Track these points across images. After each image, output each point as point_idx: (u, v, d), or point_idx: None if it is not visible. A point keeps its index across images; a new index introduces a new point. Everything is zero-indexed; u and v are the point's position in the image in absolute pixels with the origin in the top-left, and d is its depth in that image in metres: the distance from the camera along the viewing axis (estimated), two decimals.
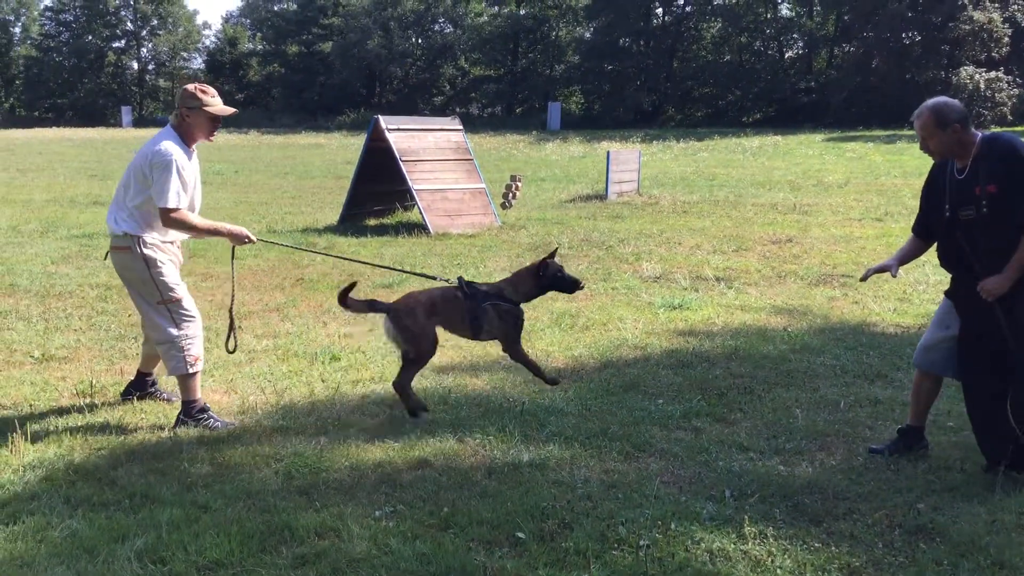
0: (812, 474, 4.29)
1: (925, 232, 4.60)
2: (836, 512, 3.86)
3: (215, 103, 4.98)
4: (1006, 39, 42.16)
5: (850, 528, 3.71)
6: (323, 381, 5.90)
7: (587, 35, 58.46)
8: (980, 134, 4.23)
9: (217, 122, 5.05)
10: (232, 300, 5.54)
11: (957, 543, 3.55)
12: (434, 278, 5.67)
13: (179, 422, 4.99)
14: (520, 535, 3.62)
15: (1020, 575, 3.31)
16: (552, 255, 5.38)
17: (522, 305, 5.32)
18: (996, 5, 42.66)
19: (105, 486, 4.13)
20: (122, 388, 5.60)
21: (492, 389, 5.69)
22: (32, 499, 3.98)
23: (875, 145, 32.41)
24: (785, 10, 55.18)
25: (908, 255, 4.75)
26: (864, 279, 4.92)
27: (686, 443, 4.73)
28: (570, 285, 5.34)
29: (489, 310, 5.15)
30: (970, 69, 40.55)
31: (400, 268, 6.61)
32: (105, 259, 5.24)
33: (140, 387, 5.47)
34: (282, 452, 4.55)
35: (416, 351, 5.10)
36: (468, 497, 4.00)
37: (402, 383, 5.10)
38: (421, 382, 5.83)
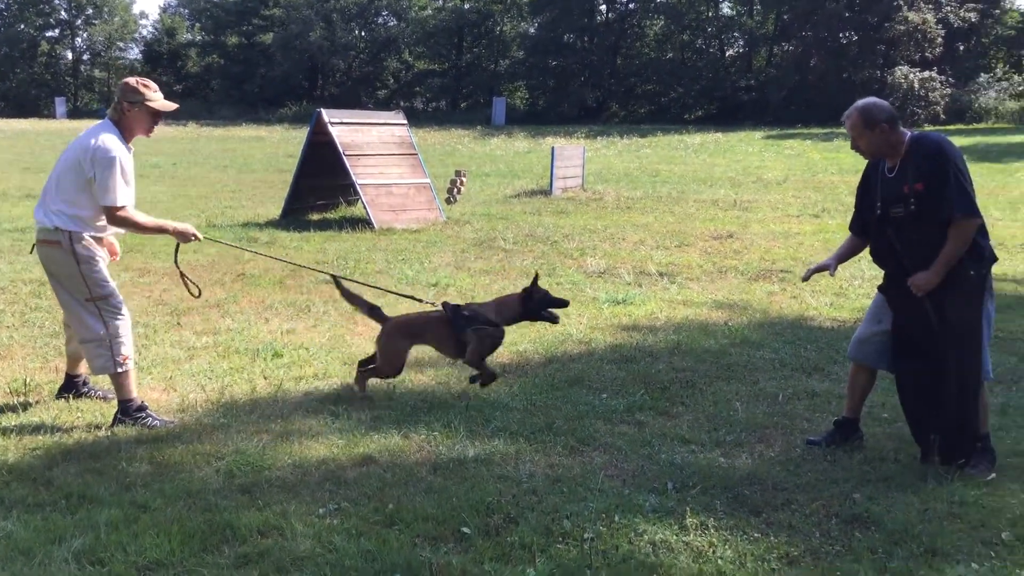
0: (752, 466, 4.38)
1: (861, 230, 4.69)
2: (775, 503, 3.94)
3: (157, 98, 4.89)
4: (939, 39, 43.26)
5: (788, 518, 3.79)
6: (265, 378, 5.83)
7: (531, 30, 58.55)
8: (909, 133, 4.34)
9: (158, 117, 4.96)
10: (184, 279, 5.57)
11: (891, 531, 3.65)
12: (420, 300, 5.89)
13: (116, 421, 4.88)
14: (466, 530, 3.63)
15: (951, 561, 3.42)
16: (535, 281, 5.50)
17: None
18: (930, 6, 43.76)
19: (40, 486, 4.03)
20: (57, 386, 5.46)
21: (437, 385, 5.69)
22: None
23: (813, 143, 33.08)
24: (726, 9, 55.93)
25: (846, 253, 4.87)
26: (806, 279, 5.07)
27: (629, 437, 4.78)
28: (552, 315, 5.51)
29: (471, 335, 5.32)
30: (904, 69, 41.54)
31: (387, 288, 6.68)
32: (31, 252, 5.09)
33: (71, 388, 5.34)
34: (223, 450, 4.49)
35: (383, 367, 5.41)
36: (413, 493, 4.00)
37: (360, 380, 5.45)
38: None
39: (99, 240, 4.92)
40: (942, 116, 40.67)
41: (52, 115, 57.35)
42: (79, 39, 69.59)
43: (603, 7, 56.95)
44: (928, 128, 38.04)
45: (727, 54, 55.78)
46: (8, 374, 5.80)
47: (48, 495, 3.94)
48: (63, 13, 68.62)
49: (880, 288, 4.60)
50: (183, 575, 3.26)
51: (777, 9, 50.77)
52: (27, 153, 28.58)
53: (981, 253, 4.25)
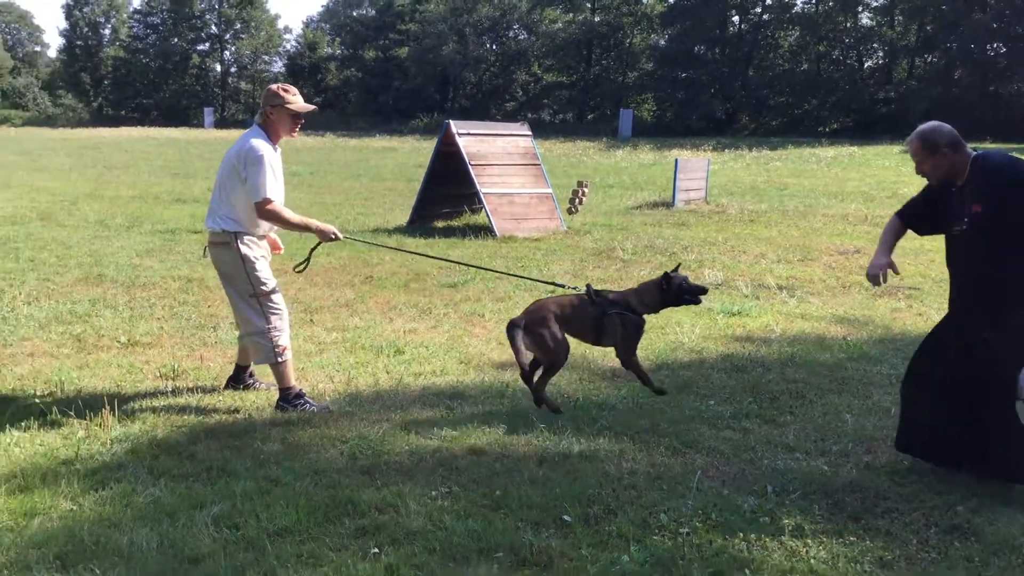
0: (855, 475, 4.40)
1: (909, 220, 4.65)
2: (875, 510, 3.97)
3: (296, 101, 5.29)
4: None
5: (887, 525, 3.82)
6: (387, 372, 6.19)
7: (661, 42, 58.31)
8: (972, 153, 4.27)
9: (299, 119, 5.35)
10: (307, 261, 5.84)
11: (991, 542, 3.64)
12: (562, 286, 6.01)
13: (279, 407, 5.32)
14: (566, 518, 3.83)
15: None
16: (676, 269, 5.60)
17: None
18: None
19: (185, 459, 4.47)
20: (202, 372, 5.99)
21: (548, 385, 5.89)
22: (118, 469, 4.33)
23: None
24: (865, 19, 54.21)
25: (892, 241, 4.69)
26: (878, 282, 4.69)
27: (733, 442, 4.87)
28: (695, 297, 5.48)
29: (615, 319, 5.36)
30: None
31: (529, 276, 6.93)
32: (204, 255, 5.59)
33: (238, 380, 5.78)
34: (348, 435, 4.84)
35: (550, 360, 5.35)
36: (519, 482, 4.23)
37: (537, 391, 5.35)
38: (482, 377, 6.10)
39: (262, 239, 5.37)
40: None
41: (201, 124, 60.78)
42: (227, 52, 73.64)
43: (736, 18, 56.20)
44: None
45: (866, 65, 54.06)
46: (158, 360, 6.36)
47: (191, 467, 4.37)
48: (213, 28, 72.76)
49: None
50: (308, 541, 3.59)
51: (920, 19, 48.95)
52: (177, 160, 30.48)
53: None
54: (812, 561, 3.49)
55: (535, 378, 5.36)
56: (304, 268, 5.79)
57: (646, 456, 4.63)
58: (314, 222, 5.41)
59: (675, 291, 5.40)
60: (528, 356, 5.32)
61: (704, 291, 5.56)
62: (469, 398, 5.60)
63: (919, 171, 4.38)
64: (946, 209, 4.36)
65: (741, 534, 3.71)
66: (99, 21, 74.27)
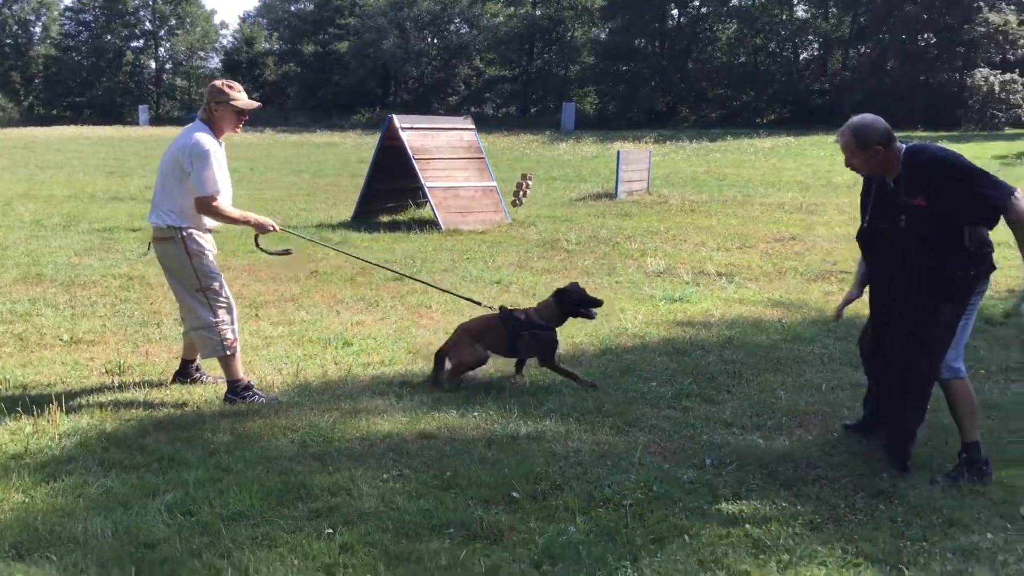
0: (788, 447, 4.61)
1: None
2: (806, 478, 4.18)
3: (241, 97, 5.33)
4: (1022, 40, 42.20)
5: (817, 491, 4.04)
6: (336, 364, 6.25)
7: (602, 36, 58.76)
8: (904, 147, 4.21)
9: (243, 115, 5.39)
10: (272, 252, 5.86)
11: (914, 505, 3.87)
12: (479, 303, 6.25)
13: (227, 400, 5.36)
14: (515, 495, 3.97)
15: (967, 532, 3.63)
16: (574, 284, 5.91)
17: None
18: (1012, 7, 42.73)
19: (135, 451, 4.50)
20: (148, 368, 5.98)
21: (495, 371, 6.02)
22: (69, 461, 4.35)
23: None
24: (801, 12, 55.29)
25: (868, 274, 4.75)
26: (838, 318, 5.09)
27: (674, 420, 5.05)
28: (588, 311, 5.82)
29: (526, 337, 5.72)
30: (985, 71, 40.65)
31: (452, 291, 7.04)
32: (148, 250, 5.59)
33: (185, 374, 5.79)
34: (298, 424, 4.91)
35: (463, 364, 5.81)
36: (469, 463, 4.35)
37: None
38: (431, 365, 6.19)
39: (207, 233, 5.38)
40: (1023, 119, 39.64)
41: (135, 122, 59.62)
42: (162, 49, 72.37)
43: (675, 12, 56.87)
44: (1009, 132, 37.19)
45: (801, 57, 55.17)
46: (103, 357, 6.34)
47: (142, 458, 4.40)
48: (147, 24, 71.37)
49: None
50: (262, 525, 3.66)
51: (853, 11, 50.10)
52: (112, 159, 29.93)
53: (983, 257, 4.17)
54: (747, 526, 3.67)
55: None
56: (277, 252, 5.84)
57: (591, 435, 4.79)
58: (252, 216, 5.44)
59: (571, 303, 5.76)
60: (445, 380, 5.75)
61: (599, 303, 5.85)
62: (418, 386, 5.70)
63: (849, 165, 4.31)
64: (878, 205, 4.33)
65: (681, 504, 3.88)
66: (29, 19, 72.30)
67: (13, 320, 7.44)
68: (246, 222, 5.40)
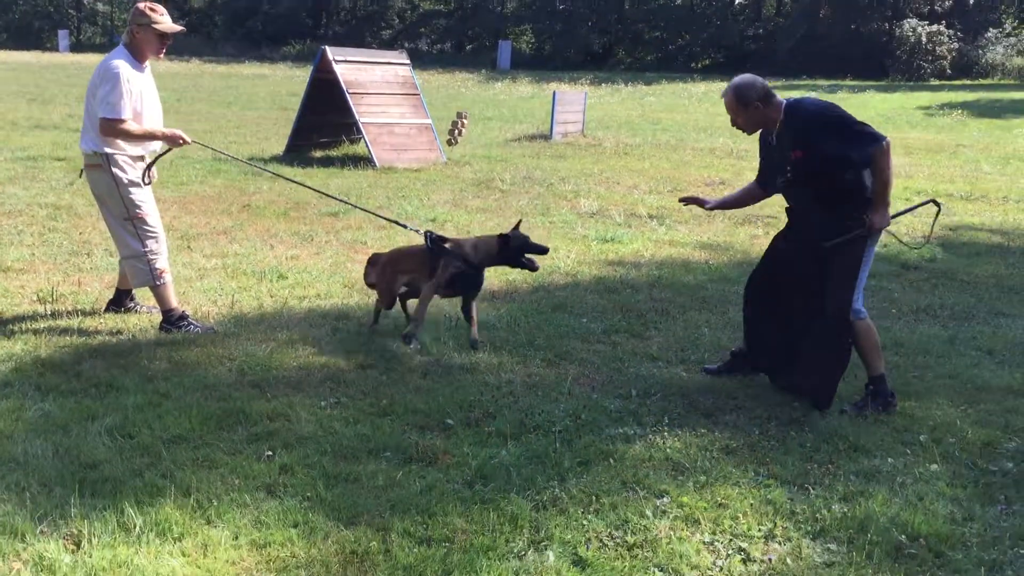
0: (709, 380, 4.86)
1: (765, 184, 4.80)
2: (725, 408, 4.44)
3: (164, 20, 5.24)
4: None
5: (734, 420, 4.30)
6: (271, 296, 6.30)
7: None
8: (784, 102, 4.40)
9: (166, 39, 5.28)
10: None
11: (822, 431, 4.16)
12: (405, 226, 5.93)
13: (163, 329, 5.37)
14: (449, 421, 4.14)
15: (871, 456, 3.92)
16: (516, 227, 5.45)
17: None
18: None
19: (72, 377, 4.53)
20: (80, 296, 5.95)
21: (432, 306, 6.13)
22: (4, 386, 4.36)
23: (816, 94, 32.97)
24: None
25: (738, 200, 5.07)
26: (682, 201, 5.23)
27: (603, 354, 5.26)
28: (531, 263, 5.35)
29: (442, 261, 5.31)
30: (913, 22, 41.44)
31: (374, 212, 6.78)
32: (80, 176, 5.51)
33: (119, 303, 5.77)
34: (235, 353, 4.98)
35: (380, 300, 5.62)
36: (404, 392, 4.50)
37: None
38: (367, 299, 6.28)
39: (138, 161, 5.32)
40: (948, 71, 40.65)
41: (55, 48, 57.00)
42: None
43: None
44: (934, 83, 38.18)
45: (736, 2, 55.37)
46: (34, 285, 6.27)
47: (79, 384, 4.44)
48: None
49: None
50: (202, 447, 3.76)
51: None
52: (32, 85, 28.72)
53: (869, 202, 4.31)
54: (668, 450, 3.90)
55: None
56: (148, 177, 5.42)
57: (523, 367, 4.97)
58: (159, 130, 5.33)
59: (514, 249, 5.29)
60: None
61: (545, 250, 5.40)
62: (354, 319, 5.79)
63: (734, 124, 4.54)
64: (769, 162, 4.61)
65: (607, 430, 4.10)
66: None
67: None
68: (153, 137, 5.29)
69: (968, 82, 38.29)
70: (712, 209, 5.09)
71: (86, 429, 3.87)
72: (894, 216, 4.45)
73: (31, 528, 3.08)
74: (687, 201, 5.18)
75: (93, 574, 2.85)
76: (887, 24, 45.00)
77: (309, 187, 7.16)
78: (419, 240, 5.63)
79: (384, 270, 5.56)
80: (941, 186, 12.83)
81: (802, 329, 4.50)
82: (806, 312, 4.48)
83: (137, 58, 5.25)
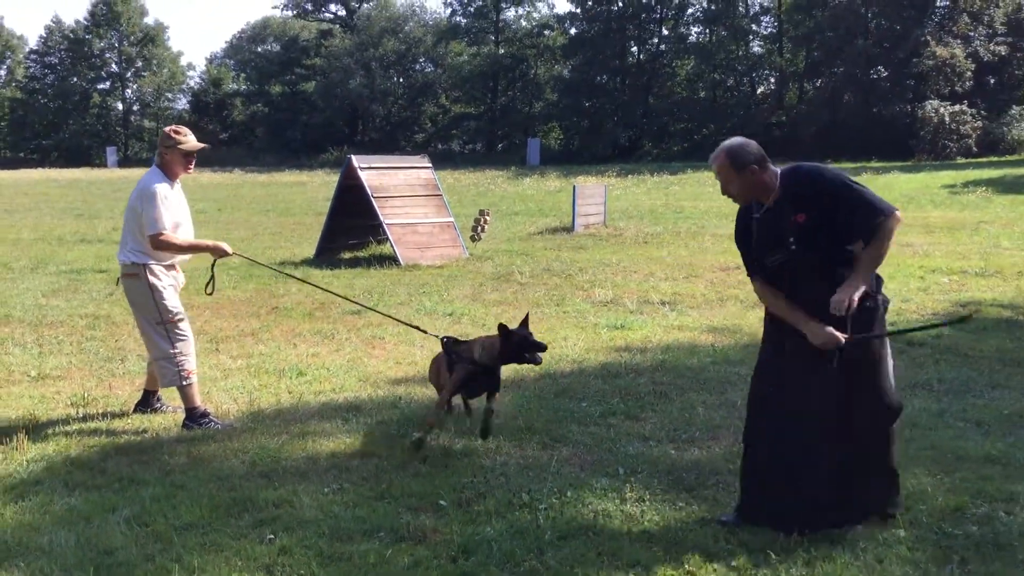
0: (697, 456, 5.09)
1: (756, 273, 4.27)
2: (707, 483, 4.65)
3: (188, 140, 5.80)
4: (968, 73, 43.58)
5: (714, 493, 4.51)
6: (289, 392, 6.66)
7: (565, 72, 59.84)
8: (779, 170, 4.07)
9: (191, 156, 5.85)
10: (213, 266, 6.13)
11: None
12: (425, 332, 6.20)
13: (185, 426, 5.77)
14: (442, 502, 4.41)
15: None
16: (524, 321, 5.39)
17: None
18: (958, 41, 44.17)
19: (97, 474, 4.89)
20: (111, 400, 6.37)
21: (435, 396, 6.45)
22: (36, 484, 4.74)
23: None
24: (756, 47, 56.71)
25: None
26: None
27: (597, 435, 5.51)
28: (533, 355, 5.22)
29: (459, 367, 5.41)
30: (935, 103, 41.88)
31: (397, 318, 6.92)
32: (116, 285, 6.04)
33: (147, 404, 6.20)
34: (248, 446, 5.32)
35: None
36: (403, 476, 4.78)
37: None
38: (379, 391, 6.62)
39: (170, 269, 5.82)
40: (974, 149, 40.81)
41: (104, 164, 59.62)
42: (129, 91, 72.37)
43: (635, 49, 58.09)
44: (960, 161, 38.39)
45: (758, 91, 56.49)
46: (69, 391, 6.71)
47: (103, 479, 4.80)
48: (114, 66, 71.54)
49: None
50: (211, 533, 4.08)
51: (807, 46, 51.51)
52: (80, 201, 30.12)
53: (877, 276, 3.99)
54: (647, 523, 4.13)
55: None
56: (212, 287, 6.14)
57: (519, 450, 5.23)
58: (204, 242, 5.90)
59: (516, 346, 5.22)
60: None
61: (543, 348, 5.24)
62: (365, 411, 6.12)
63: (725, 192, 4.12)
64: (764, 238, 4.06)
65: (591, 506, 4.34)
66: None
67: None
68: (199, 248, 5.84)
69: (995, 159, 38.42)
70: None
71: (106, 520, 4.21)
72: (920, 329, 4.38)
73: None
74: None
75: None
76: (908, 106, 45.58)
77: (326, 289, 7.60)
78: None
79: (437, 369, 5.84)
80: (957, 263, 12.98)
81: (842, 444, 3.96)
82: (841, 421, 3.95)
83: (169, 176, 5.80)
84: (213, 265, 6.13)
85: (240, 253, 6.33)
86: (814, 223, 3.89)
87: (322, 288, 7.60)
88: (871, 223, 3.82)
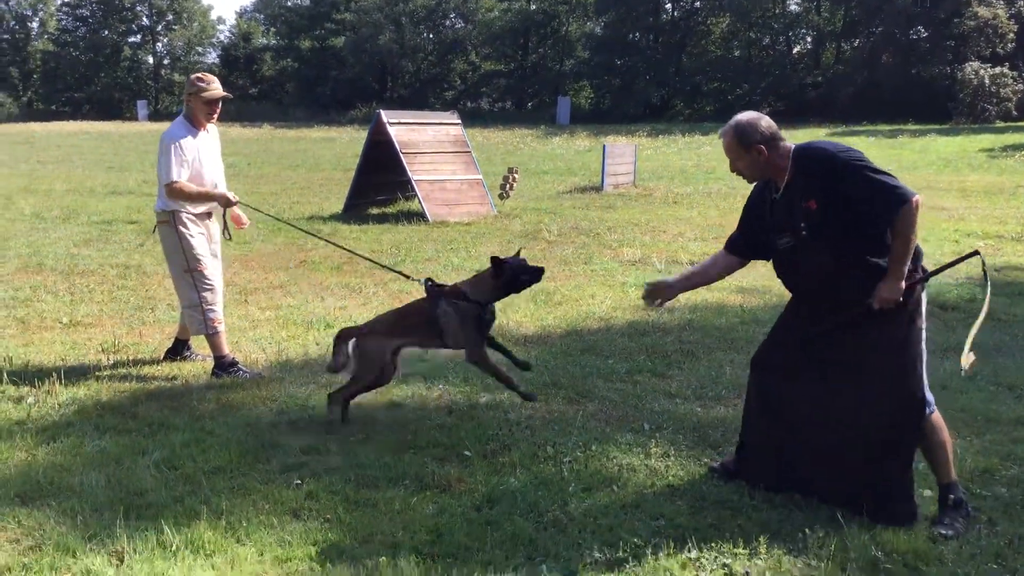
0: (723, 414, 5.06)
1: (742, 251, 4.19)
2: (732, 440, 4.60)
3: (210, 88, 5.79)
4: (1011, 35, 42.52)
5: None
6: (317, 344, 6.70)
7: (597, 30, 59.07)
8: (793, 147, 3.80)
9: (214, 104, 5.83)
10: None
11: None
12: (408, 277, 5.66)
13: (214, 374, 5.83)
14: (467, 453, 4.44)
15: None
16: (517, 254, 5.11)
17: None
18: (1001, 1, 43.06)
19: (128, 418, 4.96)
20: (141, 347, 6.46)
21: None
22: (67, 426, 4.82)
23: (876, 139, 32.89)
24: (793, 5, 55.61)
25: (704, 274, 4.44)
26: (650, 303, 4.51)
27: (623, 392, 5.50)
28: (532, 277, 4.90)
29: (448, 310, 4.82)
30: (975, 65, 40.92)
31: (377, 262, 6.95)
32: (153, 231, 6.09)
33: (176, 352, 6.26)
34: (277, 395, 5.37)
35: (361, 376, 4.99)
36: (429, 428, 4.81)
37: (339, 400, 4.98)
38: None
39: (203, 218, 5.84)
40: (1014, 112, 39.96)
41: (134, 117, 59.86)
42: (160, 44, 72.47)
43: (668, 5, 57.20)
44: (999, 125, 37.58)
45: (794, 51, 55.49)
46: (99, 338, 6.79)
47: (134, 424, 4.87)
48: (144, 20, 71.56)
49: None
50: (239, 477, 4.13)
51: (845, 5, 50.41)
52: (111, 154, 30.34)
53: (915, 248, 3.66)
54: (671, 478, 4.13)
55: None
56: (228, 233, 6.15)
57: (545, 405, 5.24)
58: (213, 191, 5.86)
59: (510, 276, 4.84)
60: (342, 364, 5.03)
61: (541, 271, 4.95)
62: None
63: (734, 169, 3.89)
64: (768, 221, 3.87)
65: (615, 460, 4.34)
66: (26, 14, 72.45)
67: (15, 305, 7.90)
68: (209, 197, 5.83)
69: None
70: (673, 296, 4.37)
71: (136, 463, 4.28)
72: (934, 273, 3.77)
73: (81, 546, 3.46)
74: (651, 298, 4.40)
75: None
76: (948, 68, 44.59)
77: (326, 239, 7.60)
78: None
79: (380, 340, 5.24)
80: (992, 227, 12.77)
81: (844, 432, 3.74)
82: (847, 411, 3.73)
83: (194, 124, 5.80)
84: (224, 214, 6.14)
85: (243, 202, 6.22)
86: (826, 210, 3.64)
87: (323, 239, 7.58)
88: (891, 214, 3.53)
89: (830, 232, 3.64)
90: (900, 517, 3.64)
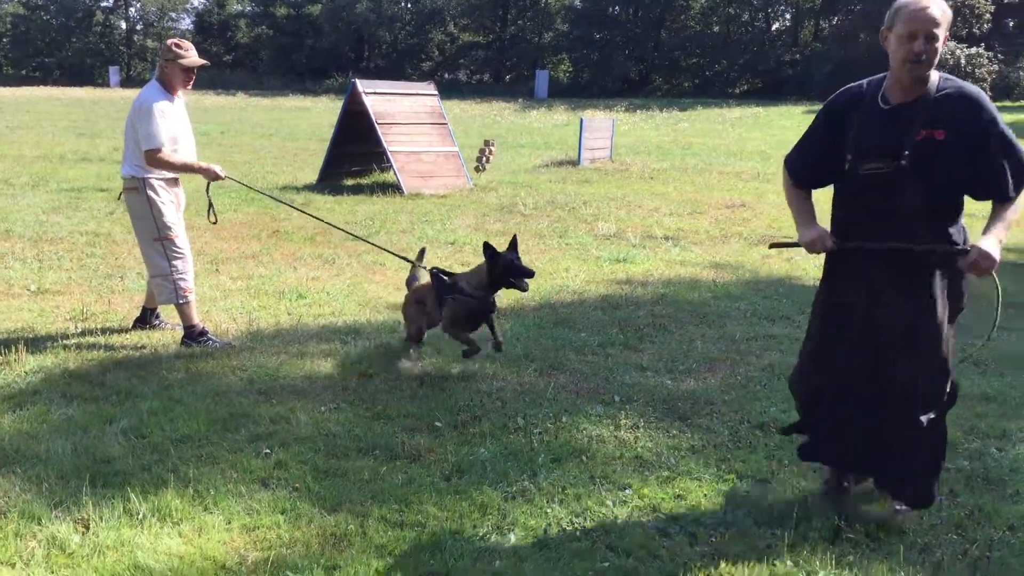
0: (693, 387, 5.10)
1: (809, 182, 3.78)
2: (701, 412, 4.67)
3: (188, 55, 5.68)
4: (987, 15, 42.75)
5: (708, 423, 4.53)
6: (288, 314, 6.66)
7: (576, 3, 58.73)
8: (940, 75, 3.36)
9: (191, 72, 5.73)
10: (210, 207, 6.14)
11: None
12: (411, 261, 6.08)
13: (183, 343, 5.77)
14: (438, 424, 4.44)
15: None
16: (512, 244, 5.22)
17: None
18: None
19: (95, 386, 4.91)
20: (110, 315, 6.37)
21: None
22: (34, 394, 4.76)
23: None
24: None
25: (812, 208, 3.78)
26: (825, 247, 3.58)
27: (594, 364, 5.52)
28: (523, 284, 5.07)
29: (447, 303, 5.25)
30: (951, 44, 41.08)
31: (383, 247, 6.83)
32: (119, 199, 5.97)
33: (145, 321, 6.20)
34: (247, 364, 5.33)
35: (408, 332, 5.72)
36: (400, 398, 4.81)
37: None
38: (378, 316, 6.62)
39: (172, 185, 5.75)
40: (989, 92, 40.17)
41: (106, 84, 58.93)
42: (132, 9, 71.27)
43: None
44: None
45: (773, 28, 55.50)
46: (68, 305, 6.71)
47: (101, 392, 4.82)
48: None
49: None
50: (207, 446, 4.11)
51: None
52: (82, 120, 29.87)
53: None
54: (639, 449, 4.16)
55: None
56: (214, 215, 6.12)
57: (516, 376, 5.25)
58: (198, 163, 5.79)
59: (501, 271, 5.05)
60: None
61: (531, 273, 5.11)
62: (364, 334, 6.12)
63: (923, 51, 3.25)
64: (866, 134, 3.38)
65: (585, 431, 4.36)
66: None
67: None
68: (192, 169, 5.76)
69: (1009, 104, 37.97)
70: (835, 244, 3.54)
71: (103, 431, 4.24)
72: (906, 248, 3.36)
73: (47, 513, 3.43)
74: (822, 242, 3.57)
75: (99, 552, 3.19)
76: None
77: (312, 215, 7.54)
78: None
79: (410, 304, 5.72)
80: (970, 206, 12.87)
81: (893, 398, 3.45)
82: (904, 382, 3.42)
83: (168, 90, 5.70)
84: (208, 189, 6.08)
85: (233, 177, 6.24)
86: (954, 146, 3.23)
87: (312, 216, 7.53)
88: (1020, 182, 3.25)
89: (937, 171, 3.24)
90: (923, 496, 3.48)
